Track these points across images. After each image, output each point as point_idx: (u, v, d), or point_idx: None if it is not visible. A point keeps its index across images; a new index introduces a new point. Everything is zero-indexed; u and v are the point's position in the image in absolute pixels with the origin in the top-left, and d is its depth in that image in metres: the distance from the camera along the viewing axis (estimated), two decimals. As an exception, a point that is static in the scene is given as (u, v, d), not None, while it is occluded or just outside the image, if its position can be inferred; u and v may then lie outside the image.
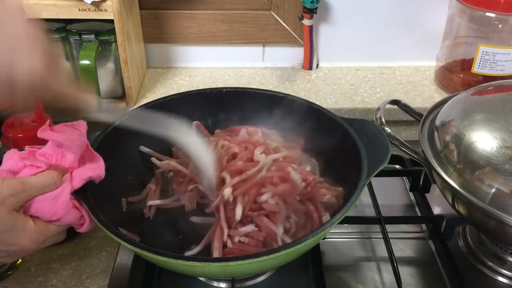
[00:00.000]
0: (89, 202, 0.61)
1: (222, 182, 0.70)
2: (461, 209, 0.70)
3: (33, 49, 0.48)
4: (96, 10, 0.85)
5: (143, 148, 0.78)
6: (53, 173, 0.59)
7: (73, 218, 0.60)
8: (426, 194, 0.84)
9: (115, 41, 0.89)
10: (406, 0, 1.03)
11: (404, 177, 0.92)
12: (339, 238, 0.79)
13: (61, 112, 0.74)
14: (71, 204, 0.59)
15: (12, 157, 0.60)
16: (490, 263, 0.74)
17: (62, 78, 0.53)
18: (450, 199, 0.70)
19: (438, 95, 1.01)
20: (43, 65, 0.49)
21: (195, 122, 0.81)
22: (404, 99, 0.87)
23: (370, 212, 0.82)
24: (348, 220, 0.71)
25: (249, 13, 1.04)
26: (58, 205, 0.58)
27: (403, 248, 0.77)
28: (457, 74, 1.00)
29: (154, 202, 0.74)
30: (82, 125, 0.63)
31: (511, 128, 0.67)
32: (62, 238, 0.62)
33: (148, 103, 0.80)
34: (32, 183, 0.57)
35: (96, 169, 0.63)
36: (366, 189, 0.66)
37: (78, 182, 0.60)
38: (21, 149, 0.75)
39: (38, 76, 0.48)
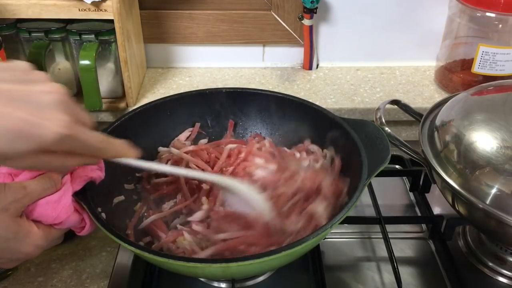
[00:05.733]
0: (89, 203, 0.61)
1: None
2: (461, 209, 0.70)
3: (59, 111, 0.47)
4: (96, 10, 0.85)
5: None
6: (52, 175, 0.58)
7: (75, 221, 0.60)
8: (426, 194, 0.84)
9: (115, 41, 0.89)
10: (406, 0, 1.03)
11: (404, 177, 0.92)
12: (339, 238, 0.79)
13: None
14: (73, 206, 0.59)
15: None
16: (490, 263, 0.74)
17: (92, 133, 0.51)
18: (450, 199, 0.70)
19: (438, 95, 1.01)
20: (70, 124, 0.47)
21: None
22: (404, 99, 0.87)
23: (370, 212, 0.82)
24: (348, 220, 0.70)
25: (249, 13, 1.04)
26: (61, 208, 0.58)
27: (403, 248, 0.77)
28: (457, 74, 1.00)
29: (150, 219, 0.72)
30: None
31: (511, 128, 0.67)
32: (61, 241, 0.62)
33: (147, 103, 0.80)
34: (33, 187, 0.56)
35: (96, 169, 0.63)
36: (366, 189, 0.66)
37: (78, 184, 0.60)
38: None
39: (66, 133, 0.47)
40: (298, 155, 0.79)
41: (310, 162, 0.77)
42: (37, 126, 0.46)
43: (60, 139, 0.47)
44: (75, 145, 0.49)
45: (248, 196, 0.67)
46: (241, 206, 0.67)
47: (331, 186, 0.71)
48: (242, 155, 0.78)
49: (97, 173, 0.63)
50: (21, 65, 0.49)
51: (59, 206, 0.58)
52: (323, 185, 0.71)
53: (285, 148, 0.81)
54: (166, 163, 0.78)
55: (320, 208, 0.68)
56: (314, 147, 0.79)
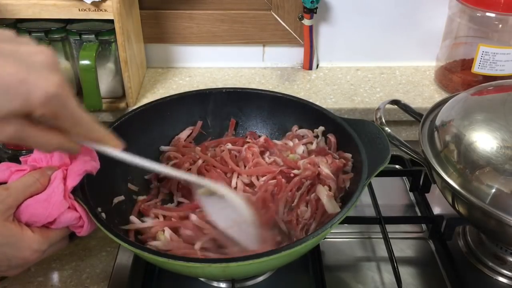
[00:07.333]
0: (89, 203, 0.61)
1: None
2: (461, 209, 0.70)
3: (49, 70, 0.47)
4: (96, 10, 0.85)
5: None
6: (34, 173, 0.58)
7: (70, 218, 0.59)
8: (426, 194, 0.84)
9: (115, 41, 0.89)
10: (406, 1, 1.03)
11: (404, 177, 0.92)
12: (339, 238, 0.79)
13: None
14: (66, 203, 0.59)
15: (0, 168, 0.60)
16: (490, 263, 0.74)
17: (77, 104, 0.50)
18: (450, 199, 0.70)
19: (438, 95, 1.01)
20: (60, 83, 0.47)
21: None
22: (404, 99, 0.87)
23: (370, 212, 0.82)
24: (348, 220, 0.71)
25: (249, 13, 1.04)
26: (52, 205, 0.57)
27: (403, 248, 0.77)
28: (457, 74, 1.00)
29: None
30: None
31: (511, 128, 0.67)
32: (65, 245, 0.62)
33: (147, 103, 0.80)
34: (15, 186, 0.56)
35: (90, 161, 0.62)
36: (366, 189, 0.66)
37: (74, 179, 0.60)
38: (20, 149, 0.75)
39: (55, 92, 0.46)
40: (290, 143, 0.79)
41: (305, 147, 0.78)
42: (26, 83, 0.44)
43: (48, 98, 0.45)
44: (61, 113, 0.48)
45: (231, 199, 0.65)
46: (220, 212, 0.65)
47: (330, 166, 0.72)
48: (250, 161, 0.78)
49: (92, 164, 0.62)
50: (6, 32, 0.49)
51: (49, 204, 0.57)
52: (321, 168, 0.72)
53: (275, 141, 0.82)
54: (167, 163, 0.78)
55: (322, 192, 0.69)
56: (304, 131, 0.80)
